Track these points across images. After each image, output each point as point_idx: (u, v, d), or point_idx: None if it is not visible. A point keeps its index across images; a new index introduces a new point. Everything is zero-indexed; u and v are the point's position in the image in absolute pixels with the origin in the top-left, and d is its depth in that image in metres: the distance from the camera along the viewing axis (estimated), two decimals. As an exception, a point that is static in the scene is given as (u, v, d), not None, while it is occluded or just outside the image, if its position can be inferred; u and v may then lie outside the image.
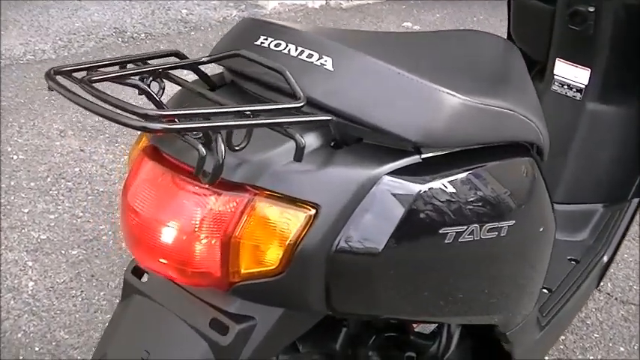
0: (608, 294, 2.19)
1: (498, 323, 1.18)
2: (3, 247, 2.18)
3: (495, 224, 1.01)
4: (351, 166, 0.90)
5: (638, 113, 1.79)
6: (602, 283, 2.06)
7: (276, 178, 0.86)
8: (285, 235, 0.87)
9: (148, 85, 0.87)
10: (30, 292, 2.02)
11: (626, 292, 2.20)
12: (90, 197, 2.45)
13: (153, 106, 0.84)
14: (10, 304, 1.97)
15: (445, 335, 1.23)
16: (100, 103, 0.76)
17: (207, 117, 0.79)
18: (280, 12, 4.56)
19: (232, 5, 4.49)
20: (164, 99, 0.89)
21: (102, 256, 2.17)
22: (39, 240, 2.23)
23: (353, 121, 0.91)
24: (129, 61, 0.91)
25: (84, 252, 2.19)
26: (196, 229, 0.86)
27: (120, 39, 3.83)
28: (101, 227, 2.30)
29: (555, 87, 1.82)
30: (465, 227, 0.97)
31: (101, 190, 2.49)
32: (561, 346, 1.97)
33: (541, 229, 1.16)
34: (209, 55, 0.98)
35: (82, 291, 2.03)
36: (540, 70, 1.87)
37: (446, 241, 0.95)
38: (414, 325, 1.25)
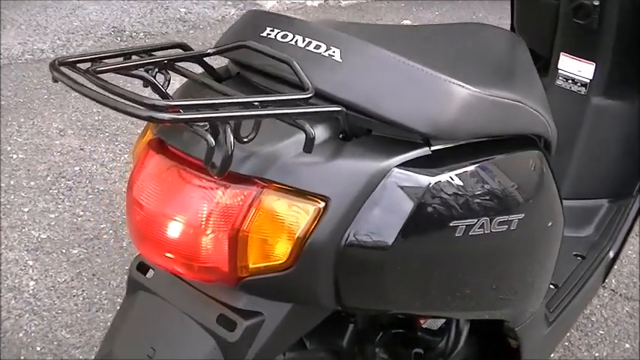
0: (613, 290, 2.18)
1: (507, 319, 1.17)
2: (3, 247, 2.17)
3: (505, 217, 1.00)
4: (360, 158, 0.88)
5: (644, 108, 1.78)
6: (606, 280, 2.05)
7: (284, 170, 0.85)
8: (294, 228, 0.85)
9: (154, 77, 0.85)
10: (31, 292, 2.00)
11: (631, 289, 2.18)
12: (90, 196, 2.43)
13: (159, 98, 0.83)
14: (10, 304, 1.95)
15: (453, 331, 1.21)
16: (105, 93, 0.74)
17: (214, 108, 0.77)
18: (279, 10, 4.54)
19: (231, 4, 4.47)
20: (169, 91, 0.87)
21: (103, 255, 2.15)
22: (39, 239, 2.21)
23: (362, 112, 0.90)
24: (133, 53, 0.89)
25: (85, 251, 2.17)
26: (203, 223, 0.85)
27: (118, 38, 3.82)
28: (102, 226, 2.28)
29: (560, 82, 1.80)
30: (476, 220, 0.95)
31: (101, 188, 2.47)
32: (566, 343, 1.96)
33: (550, 224, 1.15)
34: (215, 47, 0.96)
35: (83, 290, 2.01)
36: (544, 65, 1.85)
37: (456, 235, 0.94)
38: (422, 321, 1.23)
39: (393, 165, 0.89)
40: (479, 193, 0.96)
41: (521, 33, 1.89)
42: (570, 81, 1.79)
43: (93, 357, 1.02)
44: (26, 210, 2.34)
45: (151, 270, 1.01)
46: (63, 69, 0.79)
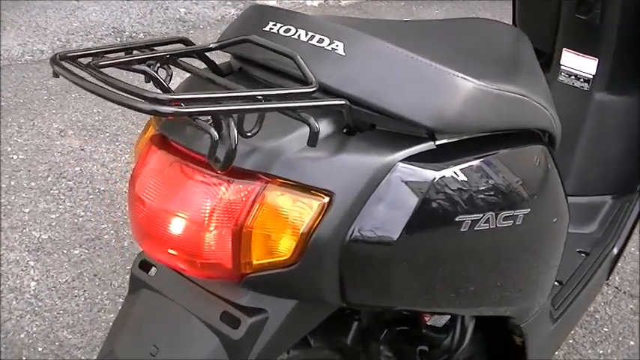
0: (617, 288, 2.17)
1: (512, 315, 1.16)
2: (4, 248, 2.16)
3: (511, 212, 0.99)
4: (364, 152, 0.87)
5: (647, 103, 1.77)
6: (610, 277, 2.04)
7: (288, 165, 0.84)
8: (298, 224, 0.84)
9: (156, 72, 0.85)
10: (32, 292, 1.99)
11: (635, 286, 2.17)
12: (91, 196, 2.42)
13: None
14: (12, 305, 1.94)
15: (459, 328, 1.20)
16: (107, 87, 0.73)
17: (217, 101, 0.76)
18: (279, 10, 4.53)
19: (230, 4, 4.46)
20: (171, 87, 0.86)
21: (104, 255, 2.14)
22: (40, 240, 2.20)
23: (366, 106, 0.89)
24: (135, 48, 0.88)
25: (86, 251, 2.16)
26: (206, 219, 0.84)
27: (118, 39, 3.81)
28: (103, 226, 2.27)
29: (562, 77, 1.80)
30: (481, 215, 0.94)
31: (102, 189, 2.46)
32: (571, 341, 1.95)
33: (555, 220, 1.14)
34: (217, 42, 0.95)
35: (84, 290, 2.00)
36: (546, 61, 1.84)
37: (462, 230, 0.93)
38: (427, 319, 1.22)
39: (398, 159, 0.88)
40: (484, 187, 0.95)
41: (522, 29, 1.87)
42: (573, 77, 1.78)
43: (95, 357, 1.00)
44: (27, 211, 2.33)
45: (153, 268, 1.00)
46: (64, 63, 0.78)
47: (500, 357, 1.36)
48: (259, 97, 0.78)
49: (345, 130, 0.89)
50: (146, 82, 0.85)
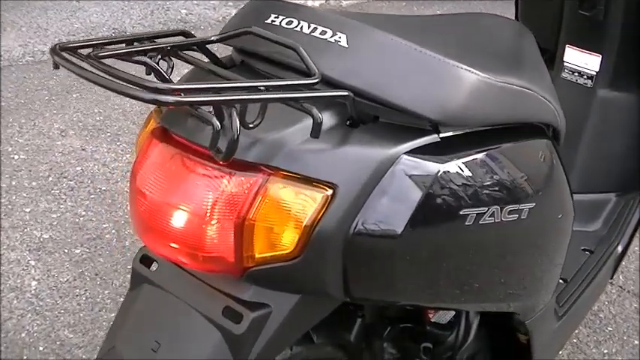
0: (621, 287, 2.16)
1: (517, 311, 1.15)
2: (5, 247, 2.15)
3: (516, 206, 0.98)
4: (368, 145, 0.86)
5: (651, 100, 1.76)
6: (614, 276, 2.03)
7: (291, 157, 0.83)
8: (301, 217, 0.83)
9: (157, 64, 0.84)
10: (33, 292, 1.98)
11: (638, 285, 2.16)
12: (92, 196, 2.41)
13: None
14: (13, 304, 1.93)
15: (463, 325, 1.19)
16: (108, 77, 0.72)
17: (219, 92, 0.75)
18: (280, 11, 4.53)
19: (232, 5, 4.45)
20: (173, 80, 0.85)
21: (105, 255, 2.13)
22: (41, 239, 2.19)
23: (369, 98, 0.88)
24: (135, 39, 0.87)
25: (87, 251, 2.15)
26: (208, 212, 0.83)
27: (119, 39, 3.80)
28: (104, 226, 2.26)
29: (565, 74, 1.78)
30: (486, 209, 0.93)
31: (103, 188, 2.46)
32: (575, 340, 1.93)
33: (560, 216, 1.13)
34: (219, 34, 0.94)
35: (85, 290, 2.00)
36: (549, 58, 1.83)
37: (466, 223, 0.92)
38: (431, 315, 1.21)
39: (402, 152, 0.87)
40: (489, 181, 0.94)
41: (525, 25, 1.87)
42: (576, 74, 1.77)
43: (99, 350, 0.99)
44: (28, 210, 2.32)
45: (154, 263, 0.98)
46: (64, 54, 0.77)
47: (504, 355, 1.35)
48: (261, 87, 0.77)
49: (348, 123, 0.88)
50: (147, 74, 0.84)
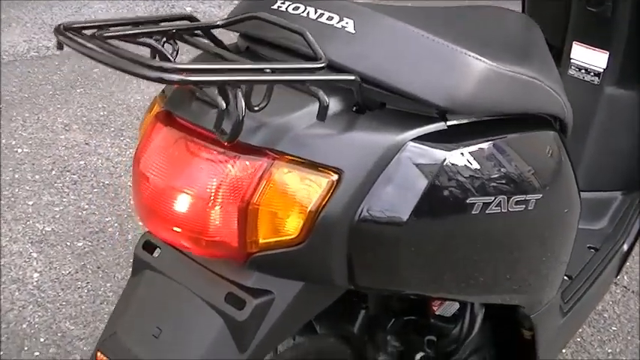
0: (625, 287, 2.14)
1: (522, 304, 1.14)
2: (7, 239, 2.14)
3: (523, 197, 0.97)
4: (375, 131, 0.85)
5: (658, 98, 1.74)
6: (619, 276, 2.01)
7: (296, 142, 0.82)
8: (305, 202, 0.82)
9: (162, 47, 0.83)
10: (35, 284, 1.97)
11: (643, 285, 2.15)
12: (95, 190, 2.41)
13: None
14: (14, 295, 1.92)
15: (468, 318, 1.18)
16: (113, 56, 0.72)
17: (225, 73, 0.74)
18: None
19: (237, 3, 4.46)
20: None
21: (108, 248, 2.13)
22: (44, 232, 2.18)
23: (377, 84, 0.87)
24: (140, 22, 0.87)
25: (89, 244, 2.14)
26: (212, 196, 0.82)
27: (124, 36, 3.80)
28: (107, 219, 2.26)
29: (572, 71, 1.77)
30: (493, 198, 0.92)
31: (107, 182, 2.45)
32: (579, 339, 1.92)
33: (566, 211, 1.12)
34: (225, 19, 0.93)
35: (87, 282, 1.99)
36: (556, 55, 1.82)
37: (473, 212, 0.91)
38: (435, 308, 1.20)
39: (408, 139, 0.86)
40: (496, 170, 0.93)
41: (532, 21, 1.86)
42: (583, 71, 1.76)
43: (100, 336, 0.98)
44: (31, 203, 2.32)
45: (157, 249, 0.98)
46: (68, 34, 0.76)
47: (508, 350, 1.34)
48: (267, 70, 0.76)
49: (354, 109, 0.87)
50: (151, 57, 0.83)
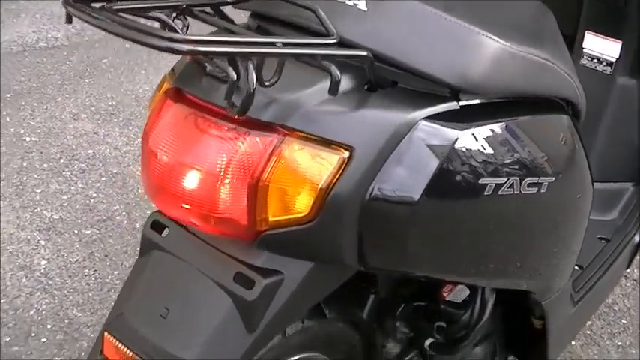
0: (635, 280, 2.13)
1: (534, 290, 1.13)
2: (15, 226, 2.14)
3: (535, 179, 0.96)
4: (386, 108, 0.84)
5: (671, 88, 1.73)
6: (629, 269, 1.99)
7: (307, 118, 0.81)
8: (316, 179, 0.81)
9: (172, 21, 0.82)
10: (42, 271, 1.97)
11: (653, 279, 2.13)
12: (103, 179, 2.40)
13: None
14: (22, 282, 1.92)
15: (478, 303, 1.17)
16: (122, 28, 0.71)
17: (235, 46, 0.73)
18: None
19: None
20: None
21: (115, 236, 2.12)
22: (52, 220, 2.18)
23: (389, 62, 0.86)
24: None
25: (97, 232, 2.14)
26: (222, 172, 0.81)
27: (133, 27, 3.79)
28: (115, 208, 2.25)
29: (584, 61, 1.75)
30: (505, 179, 0.91)
31: (115, 171, 2.44)
32: (588, 331, 1.91)
33: (579, 196, 1.11)
34: (235, -4, 0.92)
35: (95, 270, 1.98)
36: (569, 44, 1.80)
37: (485, 193, 0.90)
38: (445, 294, 1.19)
39: (420, 117, 0.85)
40: (508, 152, 0.92)
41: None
42: (595, 60, 1.74)
43: (107, 316, 0.97)
44: (39, 191, 2.32)
45: (166, 229, 0.97)
46: (77, 5, 0.75)
47: (518, 339, 1.33)
48: (279, 44, 0.75)
49: (366, 87, 0.86)
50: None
